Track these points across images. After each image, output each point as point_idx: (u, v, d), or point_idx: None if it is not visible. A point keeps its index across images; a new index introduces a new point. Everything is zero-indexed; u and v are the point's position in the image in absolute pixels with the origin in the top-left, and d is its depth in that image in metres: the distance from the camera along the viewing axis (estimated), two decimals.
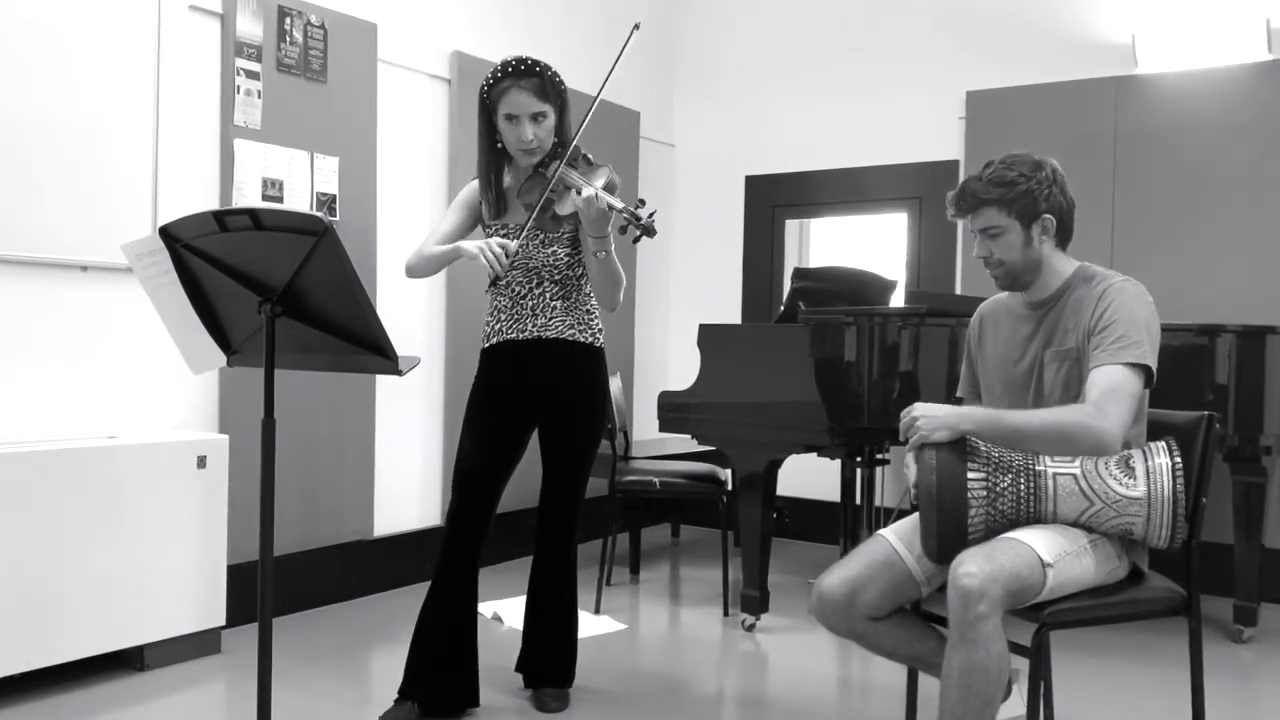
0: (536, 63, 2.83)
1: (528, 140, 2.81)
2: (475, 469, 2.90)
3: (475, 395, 2.97)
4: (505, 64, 2.82)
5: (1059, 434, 2.17)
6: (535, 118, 2.80)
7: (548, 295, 2.91)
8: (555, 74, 2.85)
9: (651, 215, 2.64)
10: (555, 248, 2.89)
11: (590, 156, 2.87)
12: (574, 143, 2.84)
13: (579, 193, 2.68)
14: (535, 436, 3.02)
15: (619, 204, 2.67)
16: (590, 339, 2.95)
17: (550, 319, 2.90)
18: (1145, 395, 2.29)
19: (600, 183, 2.75)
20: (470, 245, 2.75)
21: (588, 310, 2.97)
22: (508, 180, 2.95)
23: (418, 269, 2.92)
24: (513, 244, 2.72)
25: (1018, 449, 2.23)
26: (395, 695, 2.87)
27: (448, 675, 2.87)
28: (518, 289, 2.91)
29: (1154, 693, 3.25)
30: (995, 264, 2.37)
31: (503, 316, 2.94)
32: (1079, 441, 2.16)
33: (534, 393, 2.93)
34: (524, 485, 3.10)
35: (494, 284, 2.74)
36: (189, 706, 3.02)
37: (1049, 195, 2.32)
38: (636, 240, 2.67)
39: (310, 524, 3.97)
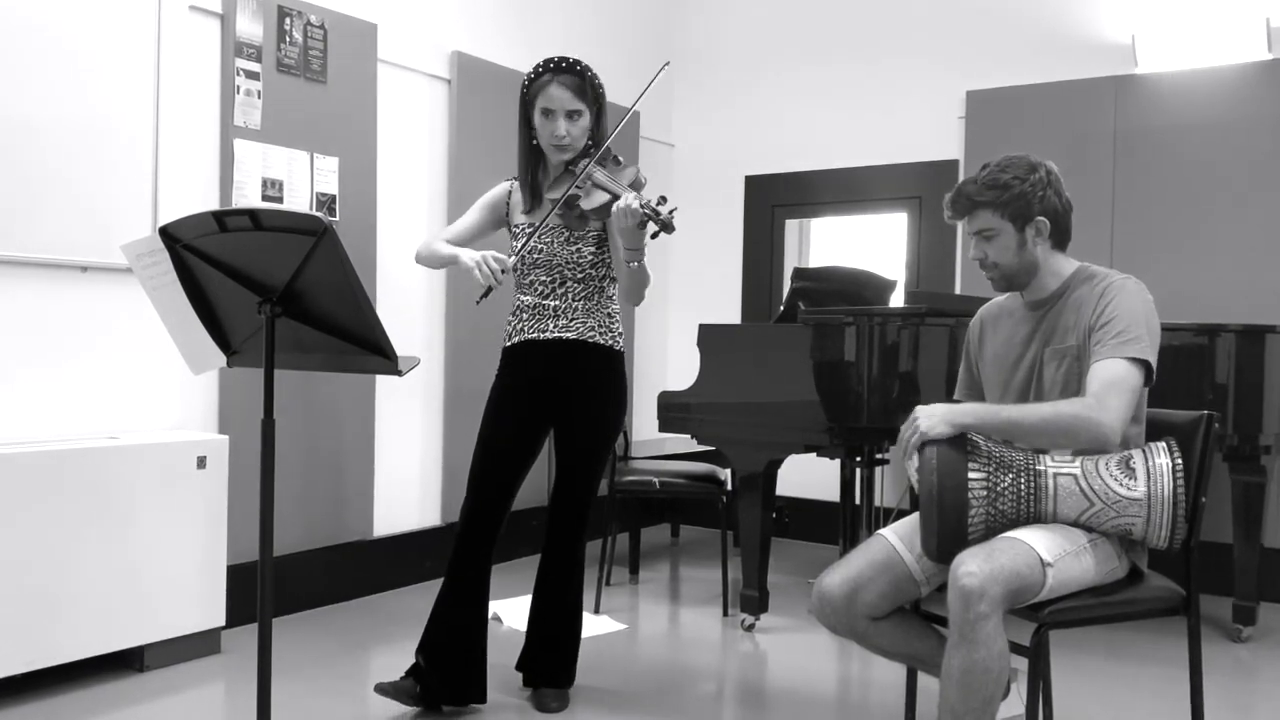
0: (578, 62, 2.88)
1: (560, 135, 2.84)
2: (492, 467, 2.92)
3: (494, 394, 2.99)
4: (547, 61, 2.87)
5: (1059, 427, 2.17)
6: (570, 115, 2.84)
7: (570, 295, 2.92)
8: (596, 76, 2.90)
9: (672, 212, 2.67)
10: (580, 246, 2.91)
11: (620, 157, 2.90)
12: (606, 144, 2.86)
13: (615, 201, 2.70)
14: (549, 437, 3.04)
15: (641, 200, 2.69)
16: (611, 341, 2.96)
17: (572, 320, 2.91)
18: (1144, 394, 2.29)
19: (626, 181, 2.79)
20: (467, 256, 2.77)
21: (609, 313, 2.98)
22: (541, 178, 2.97)
23: (424, 260, 2.98)
24: (510, 260, 2.75)
25: (1018, 443, 2.24)
26: (401, 675, 2.93)
27: (457, 672, 2.88)
28: (541, 288, 2.92)
29: (1153, 692, 3.26)
30: (990, 266, 2.38)
31: (525, 316, 2.95)
32: (1079, 434, 2.16)
33: (552, 393, 2.94)
34: (527, 485, 3.09)
35: (485, 295, 2.74)
36: (189, 706, 3.02)
37: (1043, 197, 2.32)
38: (655, 236, 2.70)
39: (310, 524, 3.97)
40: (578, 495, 2.99)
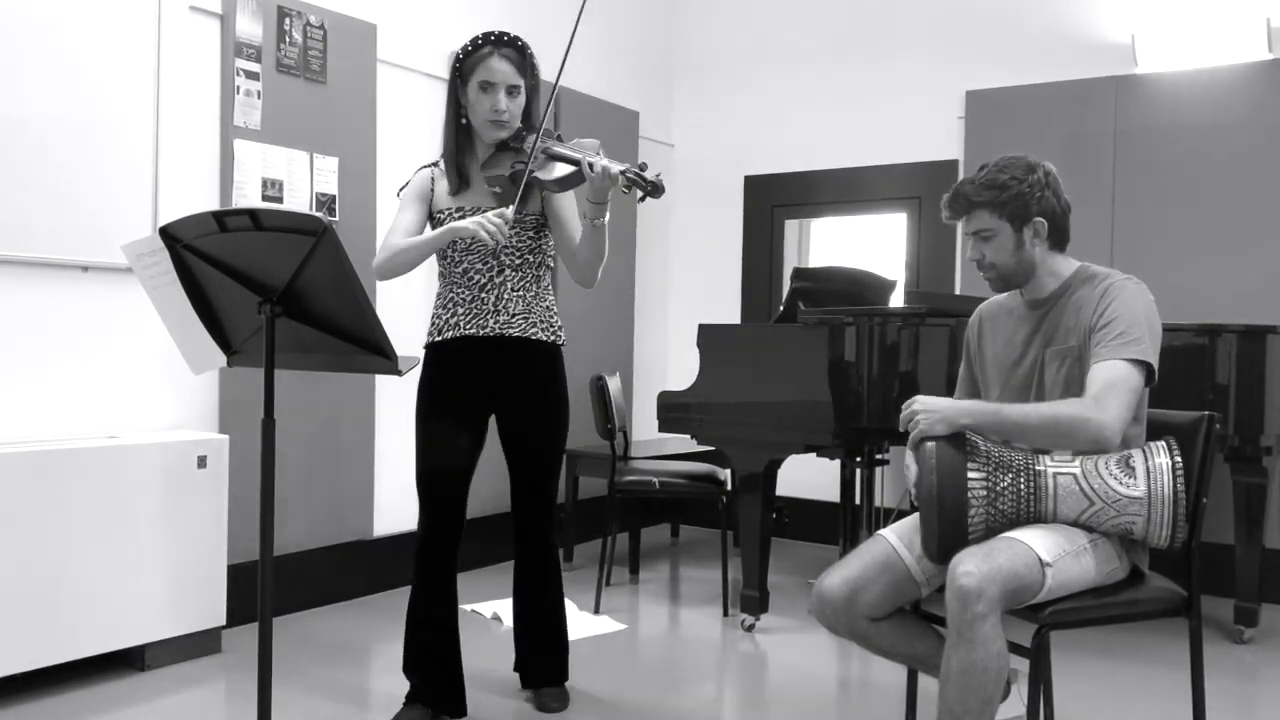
0: (517, 38, 2.78)
1: (500, 110, 2.73)
2: (442, 475, 2.82)
3: (427, 394, 2.84)
4: (486, 34, 2.76)
5: (1057, 427, 2.17)
6: (510, 91, 2.74)
7: (509, 286, 2.78)
8: (533, 54, 2.80)
9: (658, 175, 2.56)
10: (519, 229, 2.77)
11: (560, 134, 2.82)
12: (544, 119, 2.76)
13: (588, 163, 2.59)
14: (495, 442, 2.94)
15: (622, 165, 2.60)
16: (552, 337, 2.84)
17: (513, 316, 2.77)
18: (1145, 394, 2.29)
19: (591, 149, 2.68)
20: (466, 224, 2.59)
21: (548, 306, 2.86)
22: (469, 159, 2.83)
23: (393, 267, 2.72)
24: (509, 210, 2.60)
25: (1017, 442, 2.23)
26: (404, 698, 2.86)
27: (433, 682, 2.83)
28: (477, 278, 2.77)
29: (1154, 693, 3.25)
30: (987, 267, 2.38)
31: (459, 310, 2.78)
32: (1078, 435, 2.15)
33: (494, 392, 2.82)
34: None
35: (495, 254, 2.64)
36: (189, 706, 3.02)
37: (1041, 198, 2.32)
38: (642, 200, 2.59)
39: (310, 524, 3.97)
40: (541, 497, 2.90)
